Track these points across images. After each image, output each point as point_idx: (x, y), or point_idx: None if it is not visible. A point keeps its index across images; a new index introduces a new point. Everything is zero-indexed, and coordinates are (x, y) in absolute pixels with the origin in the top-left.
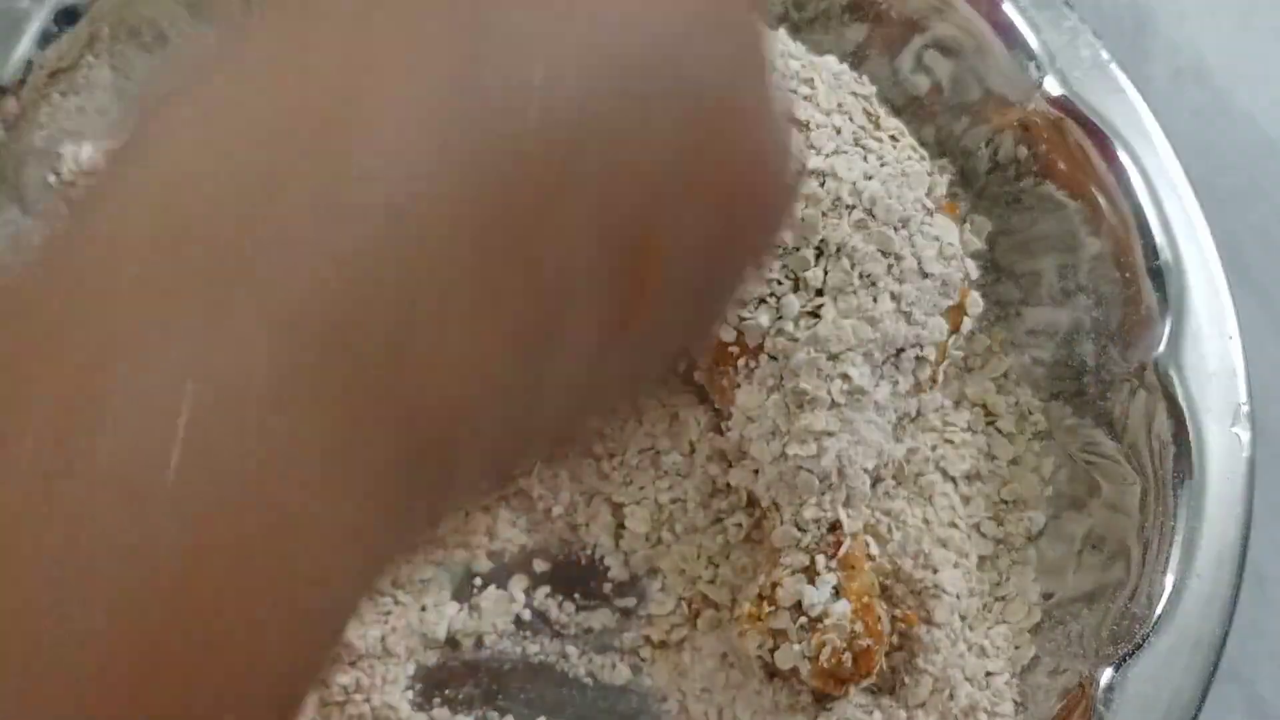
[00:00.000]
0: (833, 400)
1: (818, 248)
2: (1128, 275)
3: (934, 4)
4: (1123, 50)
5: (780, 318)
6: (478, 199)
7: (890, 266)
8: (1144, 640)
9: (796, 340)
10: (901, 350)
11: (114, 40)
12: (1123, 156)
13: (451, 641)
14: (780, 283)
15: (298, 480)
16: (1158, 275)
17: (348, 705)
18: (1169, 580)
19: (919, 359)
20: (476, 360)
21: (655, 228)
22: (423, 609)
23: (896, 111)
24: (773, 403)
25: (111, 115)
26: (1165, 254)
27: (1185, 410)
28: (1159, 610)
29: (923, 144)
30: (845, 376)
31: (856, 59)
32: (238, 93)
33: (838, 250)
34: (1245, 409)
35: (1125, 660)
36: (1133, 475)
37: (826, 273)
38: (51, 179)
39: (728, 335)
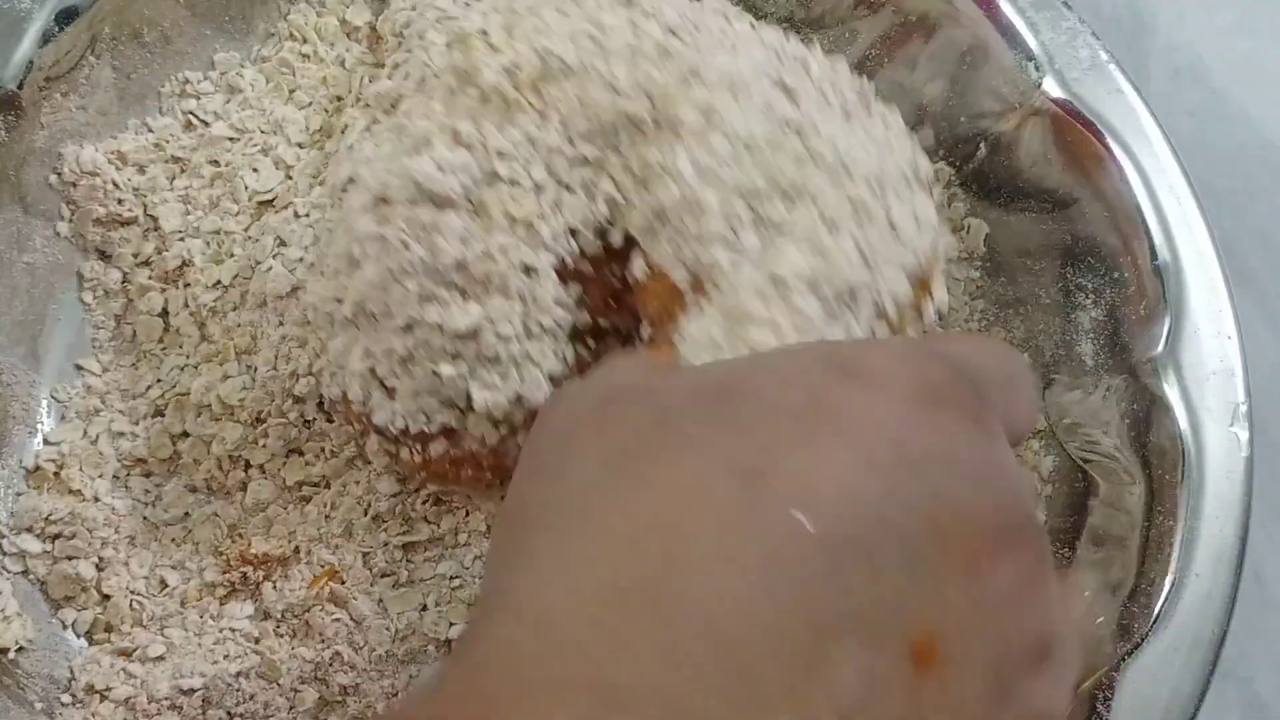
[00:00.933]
0: (777, 324)
1: (786, 191)
2: (1126, 275)
3: (935, 4)
4: (1122, 51)
5: (738, 254)
6: (780, 629)
7: (856, 214)
8: (1143, 639)
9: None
10: (856, 292)
11: (115, 40)
12: (1121, 156)
13: None
14: (741, 220)
15: None
16: (1156, 275)
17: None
18: (1168, 579)
19: (877, 308)
20: None
21: (923, 613)
22: None
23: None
24: (718, 327)
25: (112, 115)
26: (1163, 254)
27: (1184, 410)
28: (1158, 609)
29: (922, 145)
30: (794, 307)
31: (857, 59)
32: (590, 559)
33: (808, 197)
34: (1244, 408)
35: (1125, 659)
36: (1131, 474)
37: (790, 214)
38: (53, 179)
39: (680, 275)
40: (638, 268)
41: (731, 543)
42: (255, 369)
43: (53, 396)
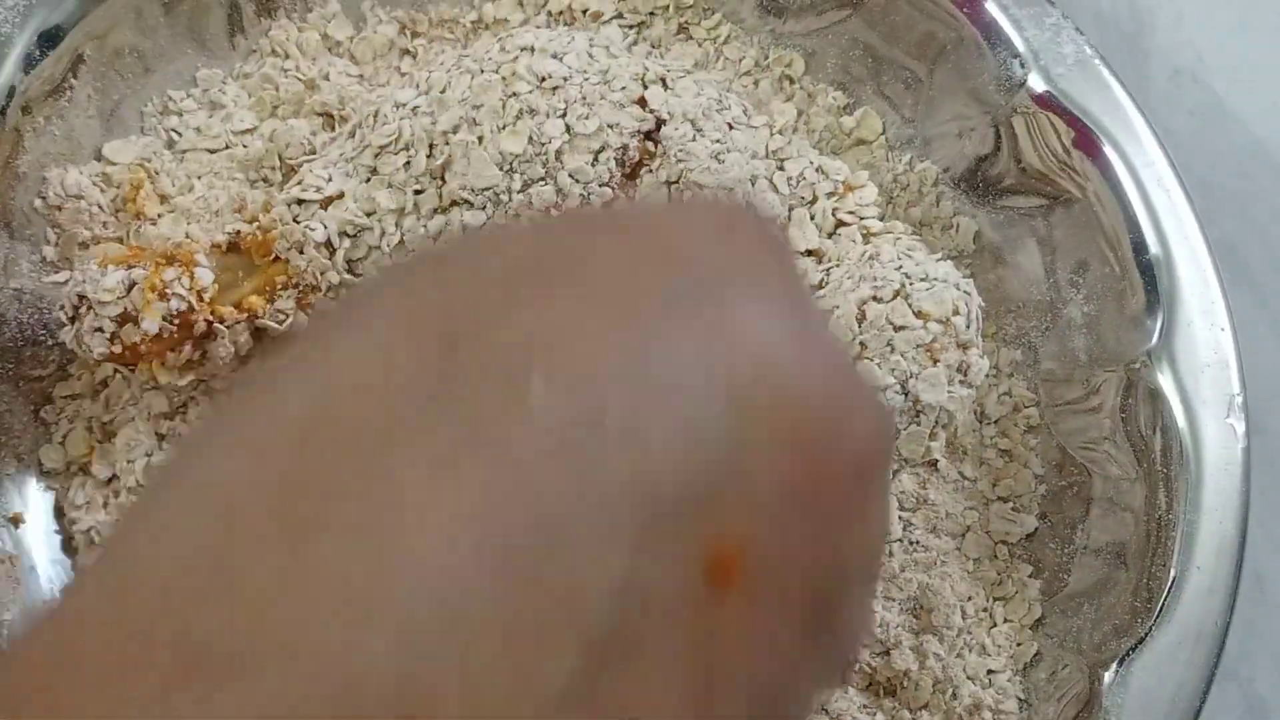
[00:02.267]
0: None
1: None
2: (1117, 269)
3: (922, 2)
4: (1122, 51)
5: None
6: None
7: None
8: (1146, 634)
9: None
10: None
11: (97, 62)
12: (1109, 152)
13: None
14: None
15: None
16: (1147, 269)
17: None
18: (1169, 574)
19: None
20: (530, 696)
21: (712, 511)
22: None
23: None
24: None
25: (96, 137)
26: (1154, 248)
27: (1179, 402)
28: (1160, 604)
29: (907, 142)
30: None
31: (843, 58)
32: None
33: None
34: (1239, 400)
35: (1128, 655)
36: (1129, 469)
37: None
38: (38, 203)
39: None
40: None
41: (412, 436)
42: None
43: (41, 419)
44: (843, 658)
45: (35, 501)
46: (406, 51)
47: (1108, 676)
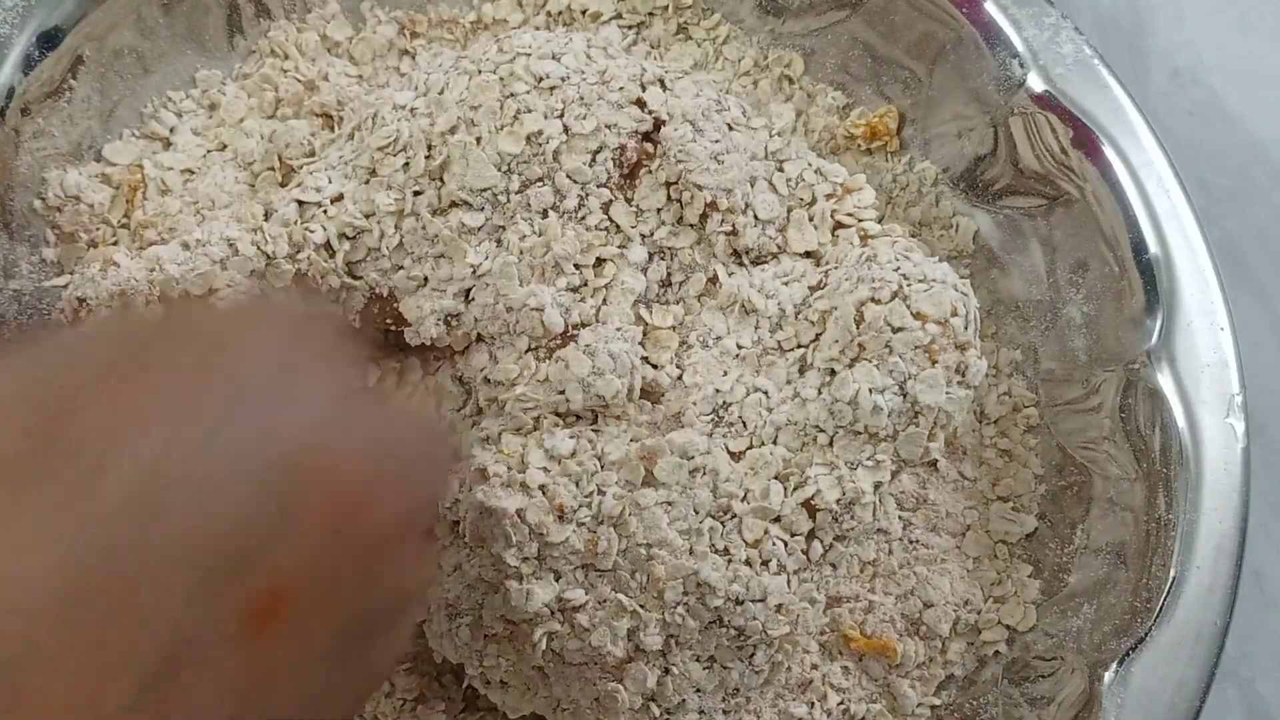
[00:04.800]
0: None
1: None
2: (1117, 269)
3: (921, 3)
4: (1122, 50)
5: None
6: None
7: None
8: (1146, 633)
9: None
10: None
11: (97, 63)
12: (1108, 151)
13: None
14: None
15: None
16: (1147, 269)
17: None
18: (1169, 573)
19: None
20: (97, 710)
21: (260, 568)
22: None
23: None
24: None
25: (95, 137)
26: (1154, 247)
27: (1179, 402)
28: (1160, 604)
29: (906, 144)
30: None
31: (842, 58)
32: None
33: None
34: (1239, 400)
35: (1128, 655)
36: (1129, 469)
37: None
38: (37, 204)
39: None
40: None
41: (8, 506)
42: None
43: None
44: (380, 670)
45: None
46: (405, 52)
47: (1108, 676)
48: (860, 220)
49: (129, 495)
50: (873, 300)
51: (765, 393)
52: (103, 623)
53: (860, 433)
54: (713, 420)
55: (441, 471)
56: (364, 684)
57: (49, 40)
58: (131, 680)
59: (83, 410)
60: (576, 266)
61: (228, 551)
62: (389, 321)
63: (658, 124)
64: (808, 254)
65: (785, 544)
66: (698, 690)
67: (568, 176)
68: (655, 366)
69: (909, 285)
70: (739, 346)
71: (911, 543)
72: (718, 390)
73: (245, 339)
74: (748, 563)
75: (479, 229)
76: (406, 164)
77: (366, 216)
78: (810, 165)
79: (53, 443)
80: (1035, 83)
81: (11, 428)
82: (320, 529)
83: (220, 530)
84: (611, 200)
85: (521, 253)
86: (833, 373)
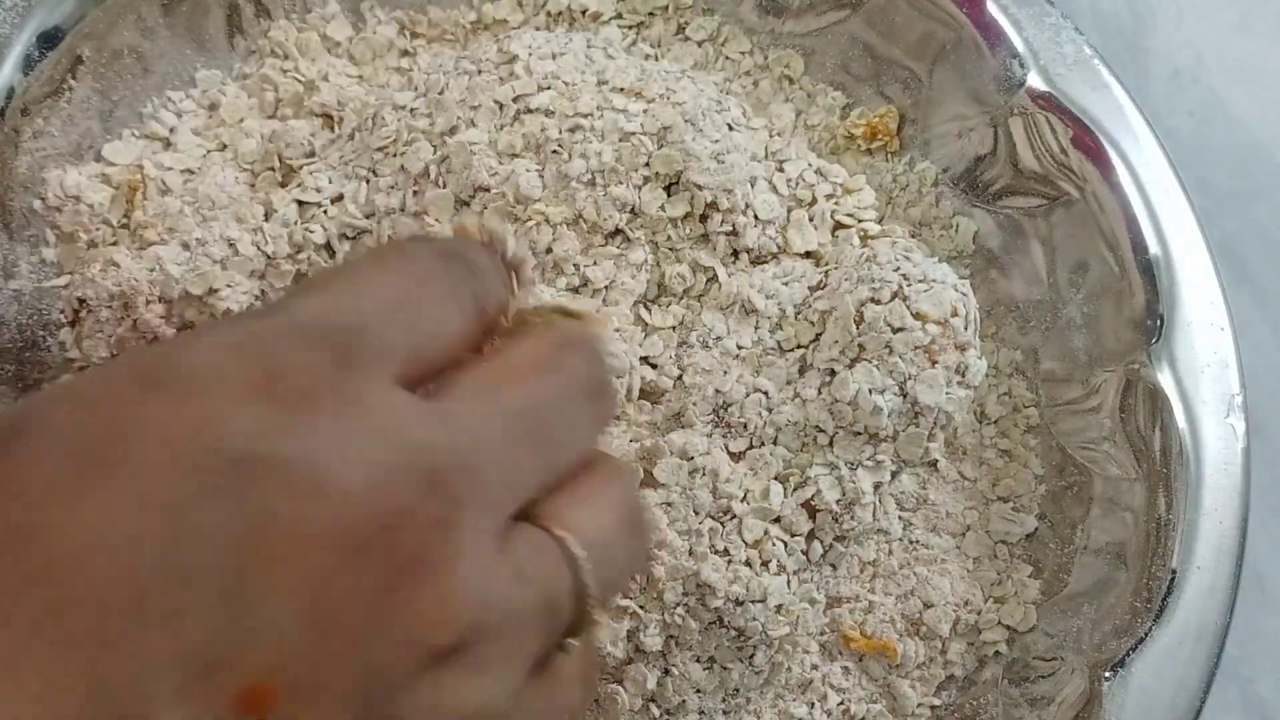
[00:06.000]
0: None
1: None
2: (1117, 269)
3: (921, 2)
4: (1122, 50)
5: None
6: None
7: None
8: (1146, 634)
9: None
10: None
11: (96, 63)
12: (1108, 151)
13: None
14: None
15: None
16: (1147, 269)
17: None
18: (1169, 574)
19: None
20: None
21: (244, 655)
22: None
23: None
24: None
25: (95, 138)
26: (1154, 247)
27: (1179, 402)
28: (1160, 604)
29: (906, 144)
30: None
31: (842, 58)
32: None
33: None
34: (1239, 400)
35: (1128, 655)
36: (1129, 469)
37: None
38: (37, 205)
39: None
40: None
41: None
42: None
43: None
44: None
45: None
46: (406, 52)
47: (1108, 676)
48: (860, 221)
49: (108, 612)
50: (873, 300)
51: (765, 393)
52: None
53: (860, 433)
54: (713, 420)
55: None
56: None
57: (49, 40)
58: None
59: (46, 522)
60: (576, 266)
61: (208, 653)
62: None
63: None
64: (808, 254)
65: (785, 544)
66: (698, 691)
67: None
68: (654, 366)
69: (909, 286)
70: (739, 347)
71: (911, 543)
72: (718, 390)
73: (214, 397)
74: (747, 563)
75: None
76: (403, 166)
77: (367, 217)
78: (810, 165)
79: (19, 553)
80: (1035, 83)
81: None
82: (294, 610)
83: (199, 634)
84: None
85: None
86: (833, 373)
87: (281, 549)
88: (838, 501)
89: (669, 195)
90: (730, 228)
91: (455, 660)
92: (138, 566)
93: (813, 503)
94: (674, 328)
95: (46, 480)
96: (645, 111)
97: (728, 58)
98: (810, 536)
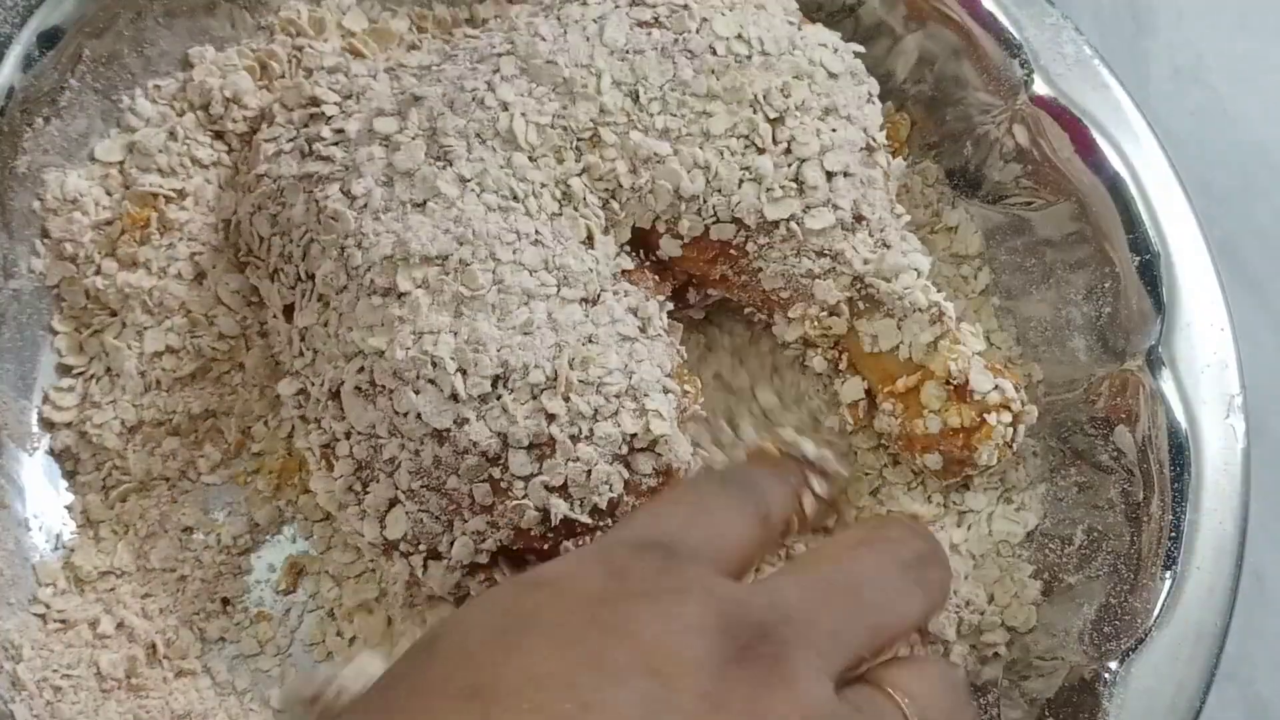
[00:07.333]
0: None
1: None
2: (1117, 269)
3: (921, 4)
4: (1122, 51)
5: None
6: None
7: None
8: (1146, 634)
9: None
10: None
11: (96, 62)
12: (1108, 151)
13: None
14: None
15: None
16: (1147, 269)
17: None
18: (1169, 573)
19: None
20: None
21: None
22: None
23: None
24: None
25: (94, 136)
26: (1154, 248)
27: (1179, 403)
28: (1160, 604)
29: (909, 145)
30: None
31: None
32: None
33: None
34: (1239, 400)
35: (1128, 654)
36: (1129, 469)
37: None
38: (36, 205)
39: (725, 232)
40: (669, 246)
41: None
42: None
43: (44, 420)
44: None
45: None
46: (413, 47)
47: (1107, 677)
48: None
49: None
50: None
51: None
52: None
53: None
54: None
55: None
56: None
57: (49, 39)
58: None
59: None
60: None
61: None
62: None
63: None
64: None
65: None
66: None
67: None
68: None
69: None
70: None
71: None
72: None
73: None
74: None
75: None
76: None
77: None
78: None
79: None
80: (1036, 83)
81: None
82: None
83: None
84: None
85: None
86: None
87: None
88: None
89: None
90: None
91: None
92: None
93: None
94: None
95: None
96: None
97: None
98: None
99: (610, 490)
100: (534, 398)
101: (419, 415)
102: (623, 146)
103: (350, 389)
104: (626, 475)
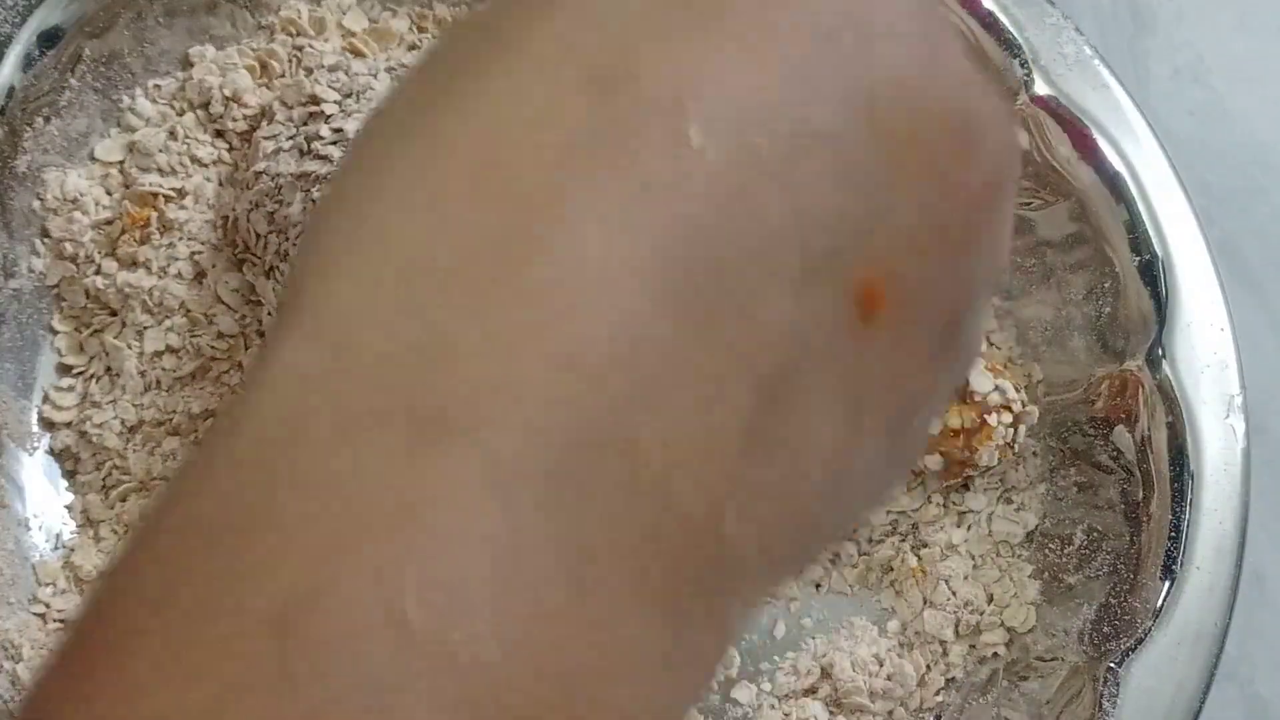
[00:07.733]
0: None
1: None
2: (1117, 269)
3: None
4: (1122, 50)
5: None
6: (680, 288)
7: None
8: (1146, 634)
9: None
10: None
11: (96, 61)
12: (1108, 152)
13: None
14: None
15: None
16: (1147, 269)
17: None
18: (1169, 574)
19: None
20: (716, 438)
21: (862, 244)
22: None
23: None
24: None
25: (95, 135)
26: (1154, 248)
27: (1179, 403)
28: (1160, 604)
29: None
30: None
31: None
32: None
33: None
34: (1239, 400)
35: (1128, 655)
36: (1129, 469)
37: None
38: (36, 205)
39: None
40: None
41: (583, 184)
42: None
43: (44, 420)
44: (962, 368)
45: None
46: (414, 46)
47: (1108, 676)
48: None
49: (720, 171)
50: None
51: None
52: (711, 338)
53: None
54: None
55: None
56: (950, 383)
57: (50, 39)
58: (745, 402)
59: (644, 65)
60: None
61: (831, 231)
62: None
63: None
64: None
65: None
66: None
67: None
68: None
69: None
70: None
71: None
72: None
73: None
74: None
75: None
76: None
77: None
78: None
79: (618, 110)
80: (1036, 83)
81: (571, 89)
82: (922, 197)
83: (822, 206)
84: None
85: None
86: None
87: (916, 143)
88: None
89: None
90: None
91: (988, 302)
92: (763, 118)
93: None
94: None
95: (631, 21)
96: None
97: None
98: None
99: None
100: None
101: None
102: None
103: None
104: None
